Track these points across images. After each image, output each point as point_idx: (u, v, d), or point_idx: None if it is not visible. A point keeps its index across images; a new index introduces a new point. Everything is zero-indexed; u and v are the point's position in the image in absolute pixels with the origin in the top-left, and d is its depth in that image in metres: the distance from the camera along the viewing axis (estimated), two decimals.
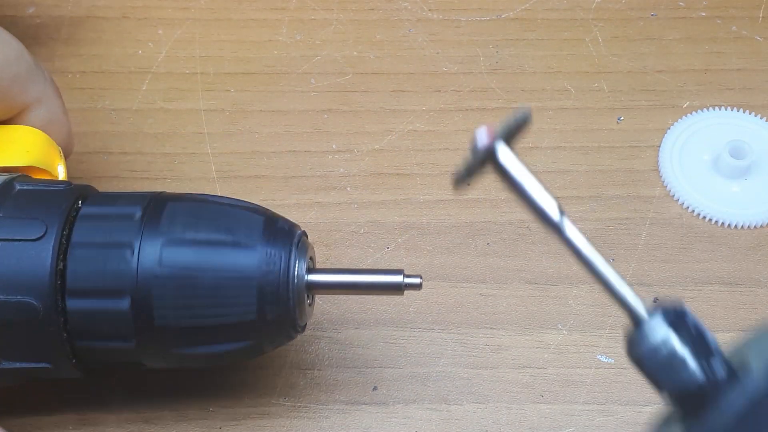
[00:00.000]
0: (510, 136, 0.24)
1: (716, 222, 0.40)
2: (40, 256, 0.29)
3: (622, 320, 0.38)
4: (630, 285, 0.23)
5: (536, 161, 0.42)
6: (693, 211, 0.40)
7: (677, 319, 0.22)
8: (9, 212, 0.30)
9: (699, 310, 0.38)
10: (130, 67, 0.45)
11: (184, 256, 0.30)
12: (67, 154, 0.36)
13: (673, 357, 0.21)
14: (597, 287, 0.23)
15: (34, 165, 0.34)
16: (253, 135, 0.43)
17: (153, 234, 0.30)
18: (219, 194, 0.34)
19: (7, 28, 0.35)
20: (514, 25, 0.47)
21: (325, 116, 0.44)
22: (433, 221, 0.40)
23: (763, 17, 0.47)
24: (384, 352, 0.37)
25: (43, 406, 0.36)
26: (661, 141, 0.43)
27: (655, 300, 0.38)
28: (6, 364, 0.31)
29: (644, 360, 0.22)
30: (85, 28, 0.47)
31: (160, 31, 0.47)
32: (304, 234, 0.32)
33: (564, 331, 0.37)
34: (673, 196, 0.41)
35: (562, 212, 0.23)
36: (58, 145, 0.36)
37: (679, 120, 0.43)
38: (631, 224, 0.40)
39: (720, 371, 0.21)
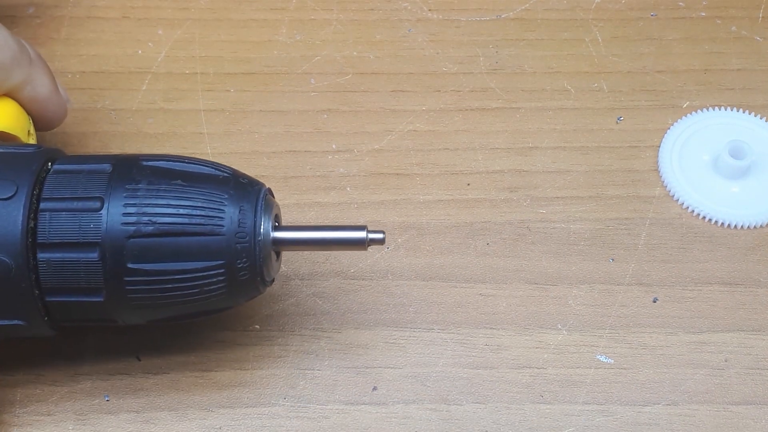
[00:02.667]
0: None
1: (716, 222, 0.40)
2: (11, 215, 0.30)
3: (622, 320, 0.38)
4: None
5: (536, 161, 0.42)
6: (692, 211, 0.40)
7: None
8: None
9: (699, 310, 0.38)
10: (130, 67, 0.45)
11: (153, 218, 0.31)
12: (57, 125, 0.38)
13: None
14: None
15: (4, 131, 0.35)
16: (252, 135, 0.43)
17: (121, 189, 0.31)
18: None
19: (8, 28, 0.35)
20: (514, 25, 0.47)
21: (325, 116, 0.44)
22: (432, 221, 0.40)
23: (762, 17, 0.47)
24: (384, 352, 0.37)
25: (43, 406, 0.36)
26: (661, 141, 0.43)
27: (655, 300, 0.38)
28: None
29: None
30: (85, 28, 0.47)
31: (160, 32, 0.47)
32: (269, 192, 0.33)
33: (564, 332, 0.37)
34: (673, 196, 0.41)
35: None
36: (50, 118, 0.37)
37: (679, 120, 0.43)
38: (631, 224, 0.40)
39: None
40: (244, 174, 0.33)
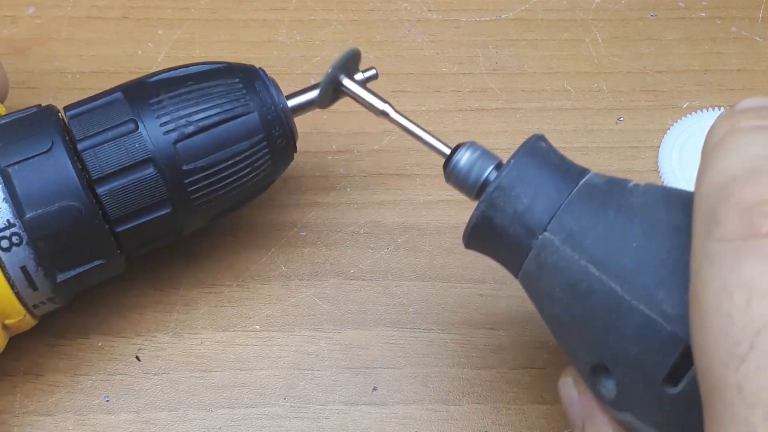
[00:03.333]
0: (343, 67, 0.34)
1: None
2: (58, 162, 0.31)
3: None
4: (437, 137, 0.33)
5: None
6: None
7: (467, 145, 0.31)
8: (7, 141, 0.32)
9: None
10: (130, 67, 0.45)
11: (187, 121, 0.33)
12: (2, 99, 0.38)
13: (465, 167, 0.31)
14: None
15: None
16: None
17: (148, 112, 0.33)
18: None
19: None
20: (514, 25, 0.47)
21: (325, 117, 0.44)
22: (433, 222, 0.40)
23: (762, 18, 0.47)
24: (384, 353, 0.37)
25: (43, 407, 0.36)
26: (661, 141, 0.43)
27: None
28: (62, 276, 0.32)
29: (452, 176, 0.31)
30: (85, 28, 0.47)
31: (159, 32, 0.47)
32: (262, 70, 0.36)
33: None
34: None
35: (385, 102, 0.34)
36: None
37: (679, 120, 0.43)
38: None
39: (493, 171, 0.30)
40: (231, 61, 0.36)
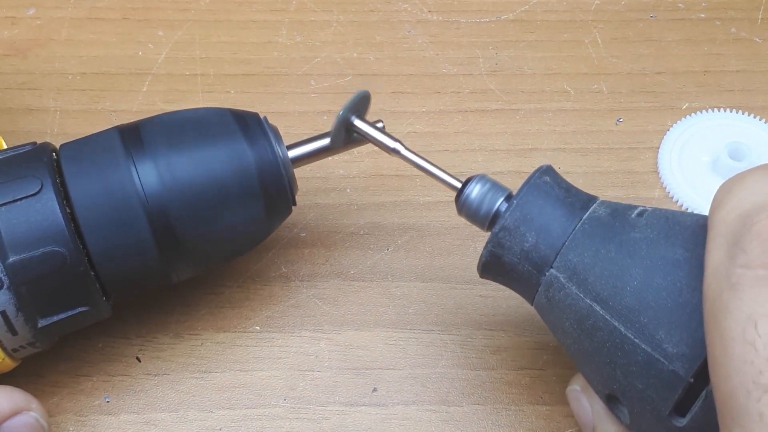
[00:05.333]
0: (354, 109, 0.34)
1: None
2: (46, 206, 0.31)
3: None
4: (447, 172, 0.33)
5: (536, 162, 0.42)
6: (692, 212, 0.40)
7: (477, 178, 0.32)
8: None
9: None
10: (131, 68, 0.45)
11: (182, 168, 0.32)
12: None
13: (476, 200, 0.31)
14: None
15: None
16: None
17: (143, 157, 0.32)
18: None
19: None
20: (514, 26, 0.47)
21: (325, 117, 0.44)
22: (432, 223, 0.41)
23: (762, 19, 0.47)
24: (384, 354, 0.37)
25: (43, 408, 0.36)
26: (661, 142, 0.43)
27: None
28: (44, 322, 0.31)
29: (464, 209, 0.32)
30: (86, 29, 0.47)
31: (160, 33, 0.47)
32: (265, 119, 0.35)
33: None
34: (672, 197, 0.41)
35: (396, 140, 0.34)
36: None
37: (678, 122, 0.43)
38: None
39: (503, 203, 0.31)
40: (234, 108, 0.35)
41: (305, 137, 0.42)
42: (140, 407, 0.36)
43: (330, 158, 0.42)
